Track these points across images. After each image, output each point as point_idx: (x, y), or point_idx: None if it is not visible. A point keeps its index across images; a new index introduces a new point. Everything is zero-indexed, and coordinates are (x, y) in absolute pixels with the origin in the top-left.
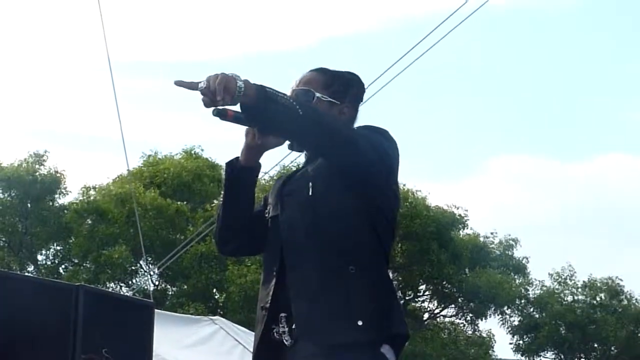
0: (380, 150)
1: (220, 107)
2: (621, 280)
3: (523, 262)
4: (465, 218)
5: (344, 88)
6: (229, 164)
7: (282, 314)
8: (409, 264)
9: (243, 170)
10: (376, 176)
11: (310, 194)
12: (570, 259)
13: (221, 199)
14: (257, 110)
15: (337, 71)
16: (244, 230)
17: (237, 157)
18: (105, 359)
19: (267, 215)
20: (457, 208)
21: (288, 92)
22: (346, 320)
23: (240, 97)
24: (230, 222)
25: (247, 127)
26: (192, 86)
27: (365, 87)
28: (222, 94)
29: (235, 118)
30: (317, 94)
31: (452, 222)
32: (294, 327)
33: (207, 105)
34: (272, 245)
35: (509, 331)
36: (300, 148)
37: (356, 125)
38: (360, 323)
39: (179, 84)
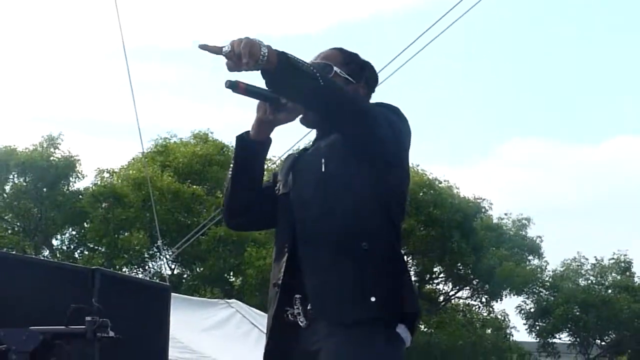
0: (394, 126)
1: (233, 80)
2: (627, 252)
3: (537, 241)
4: (489, 209)
5: (360, 69)
6: (239, 137)
7: (297, 295)
8: (428, 250)
9: (253, 144)
10: (390, 151)
11: (323, 170)
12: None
13: (230, 172)
14: (280, 76)
15: (356, 53)
16: (253, 204)
17: (248, 131)
18: (96, 308)
19: (277, 192)
20: (483, 199)
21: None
22: (360, 297)
23: (263, 62)
24: (238, 196)
25: (258, 102)
26: (216, 50)
27: (382, 68)
28: (247, 57)
29: (247, 90)
30: (336, 69)
31: (476, 212)
32: (309, 307)
33: (231, 69)
34: (283, 223)
35: (524, 316)
36: (312, 121)
37: None
38: (373, 299)
39: (203, 47)
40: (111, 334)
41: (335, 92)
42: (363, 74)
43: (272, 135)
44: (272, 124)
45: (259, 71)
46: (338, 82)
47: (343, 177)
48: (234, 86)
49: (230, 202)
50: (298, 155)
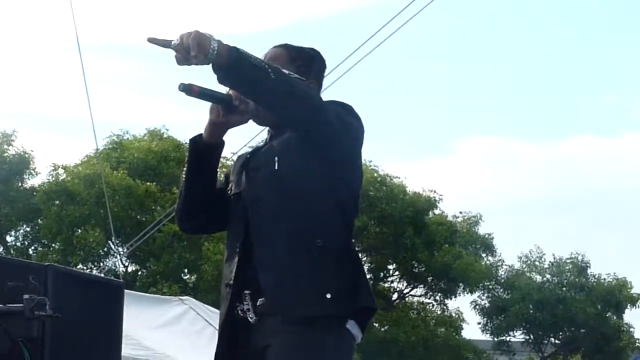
0: (345, 121)
1: (187, 83)
2: (584, 255)
3: (488, 238)
4: (440, 201)
5: (308, 63)
6: (192, 140)
7: (247, 291)
8: (381, 247)
9: (207, 147)
10: (341, 146)
11: (276, 168)
12: (538, 239)
13: (184, 176)
14: (231, 70)
15: (300, 47)
16: (206, 207)
17: (201, 134)
18: (32, 285)
19: (229, 192)
20: (433, 192)
21: None
22: (315, 294)
23: (213, 56)
24: (192, 199)
25: (211, 104)
26: (165, 44)
27: (337, 65)
28: (196, 51)
29: (200, 94)
30: (284, 71)
31: (428, 206)
32: (258, 303)
33: (180, 62)
34: (235, 222)
35: (479, 312)
36: (265, 118)
37: None
38: (328, 296)
39: (152, 40)
40: (49, 312)
41: (286, 86)
42: (312, 68)
43: (224, 138)
44: (225, 126)
45: (210, 65)
46: (289, 75)
47: (296, 175)
48: (187, 90)
49: (184, 205)
50: (250, 155)
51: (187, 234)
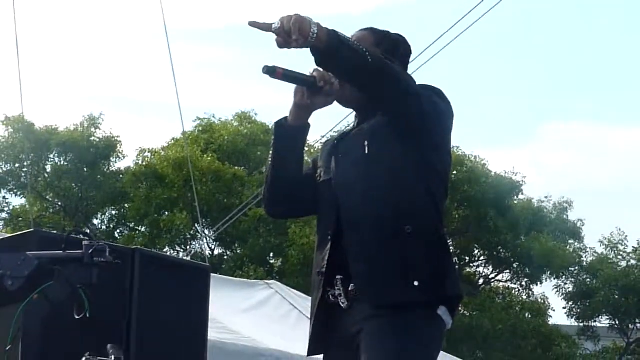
0: (438, 108)
1: (271, 65)
2: None
3: (578, 225)
4: (522, 184)
5: (393, 47)
6: (277, 123)
7: (338, 277)
8: (465, 230)
9: (292, 130)
10: (432, 131)
11: (366, 152)
12: (622, 224)
13: (270, 159)
14: (330, 53)
15: (386, 31)
16: (293, 191)
17: (286, 117)
18: (91, 232)
19: (318, 178)
20: (516, 174)
21: None
22: (403, 281)
23: (313, 39)
24: (279, 183)
25: (296, 86)
26: (265, 27)
27: (419, 53)
28: (297, 34)
29: (284, 76)
30: (379, 54)
31: (511, 189)
32: (350, 289)
33: (280, 45)
34: (325, 210)
35: (564, 297)
36: (350, 101)
37: None
38: (416, 283)
39: (253, 24)
40: (109, 259)
41: (383, 70)
42: (397, 52)
43: (310, 121)
44: (310, 108)
45: (309, 48)
46: (385, 60)
47: (386, 159)
48: (271, 72)
49: (270, 189)
50: (338, 140)
51: (273, 219)
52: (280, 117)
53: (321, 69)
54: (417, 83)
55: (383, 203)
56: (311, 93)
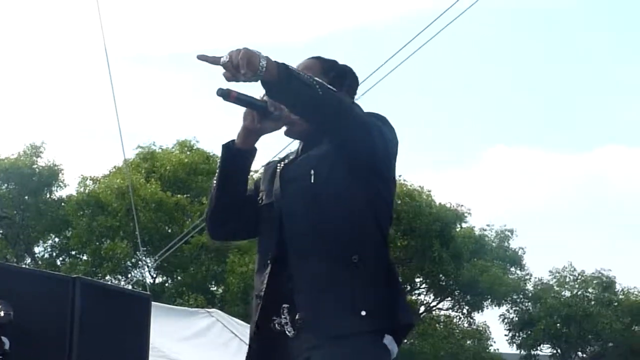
0: (384, 136)
1: (225, 88)
2: (610, 270)
3: (519, 253)
4: (467, 215)
5: (341, 76)
6: (225, 146)
7: (285, 305)
8: (408, 259)
9: (239, 153)
10: (381, 162)
11: (312, 181)
12: (566, 251)
13: (215, 181)
14: (280, 86)
15: (334, 60)
16: (237, 213)
17: (233, 140)
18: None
19: (260, 202)
20: (461, 206)
21: None
22: (351, 311)
23: (262, 73)
24: (223, 205)
25: (245, 110)
26: (214, 61)
27: (365, 78)
28: (245, 68)
29: (237, 99)
30: (330, 87)
31: (455, 220)
32: (297, 317)
33: (228, 79)
34: (267, 232)
35: (507, 327)
36: (298, 132)
37: None
38: (364, 313)
39: (202, 57)
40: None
41: (333, 102)
42: (344, 81)
43: (256, 145)
44: (259, 132)
45: (258, 82)
46: (336, 92)
47: (333, 189)
48: (225, 94)
49: (214, 211)
50: (282, 164)
51: (215, 241)
52: (228, 140)
53: None
54: (364, 111)
55: (330, 233)
56: (261, 117)
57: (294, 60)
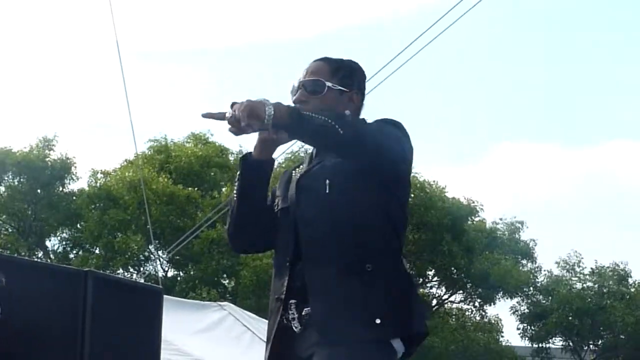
0: (403, 146)
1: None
2: (627, 263)
3: (530, 245)
4: (478, 210)
5: (350, 75)
6: (243, 158)
7: (292, 301)
8: (420, 252)
9: (257, 165)
10: (400, 171)
11: (327, 191)
12: (576, 243)
13: (234, 194)
14: (294, 129)
15: (340, 59)
16: (257, 226)
17: (251, 152)
18: None
19: (276, 207)
20: (473, 202)
21: (296, 83)
22: (364, 319)
23: (270, 120)
24: (245, 218)
25: None
26: (219, 117)
27: (373, 75)
28: (247, 120)
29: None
30: (328, 84)
31: (467, 214)
32: (303, 313)
33: (235, 134)
34: (284, 237)
35: (518, 318)
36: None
37: (364, 113)
38: (378, 321)
39: (207, 116)
40: None
41: (355, 136)
42: (354, 79)
43: (274, 155)
44: (275, 143)
45: (273, 128)
46: (356, 123)
47: (348, 199)
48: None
49: (236, 224)
50: (299, 172)
51: (237, 252)
52: (245, 152)
53: None
54: (380, 118)
55: (343, 242)
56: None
57: (302, 55)
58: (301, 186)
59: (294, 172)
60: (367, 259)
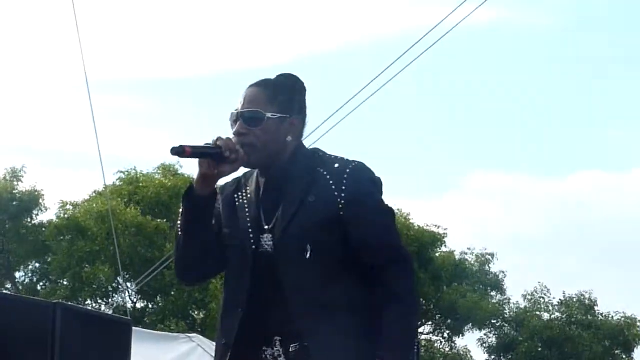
0: (391, 215)
1: (177, 146)
2: (592, 292)
3: (500, 277)
4: (444, 236)
5: (289, 97)
6: (186, 194)
7: (277, 338)
8: None
9: (201, 200)
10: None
11: (307, 257)
12: (546, 275)
13: (179, 229)
14: None
15: (278, 79)
16: (206, 257)
17: (192, 187)
18: None
19: (225, 239)
20: (438, 227)
21: (235, 112)
22: (355, 342)
23: None
24: (192, 252)
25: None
26: None
27: (341, 106)
28: None
29: (193, 153)
30: (267, 114)
31: (433, 242)
32: (290, 350)
33: None
34: (236, 274)
35: (487, 350)
36: (255, 163)
37: (329, 141)
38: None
39: None
40: None
41: (414, 296)
42: (294, 101)
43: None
44: (217, 177)
45: None
46: (407, 337)
47: (330, 265)
48: (180, 152)
49: (183, 259)
50: (249, 200)
51: (189, 286)
52: (187, 187)
53: (224, 137)
54: (365, 166)
55: (317, 287)
56: (218, 162)
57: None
58: (277, 244)
59: (236, 197)
60: (345, 304)
